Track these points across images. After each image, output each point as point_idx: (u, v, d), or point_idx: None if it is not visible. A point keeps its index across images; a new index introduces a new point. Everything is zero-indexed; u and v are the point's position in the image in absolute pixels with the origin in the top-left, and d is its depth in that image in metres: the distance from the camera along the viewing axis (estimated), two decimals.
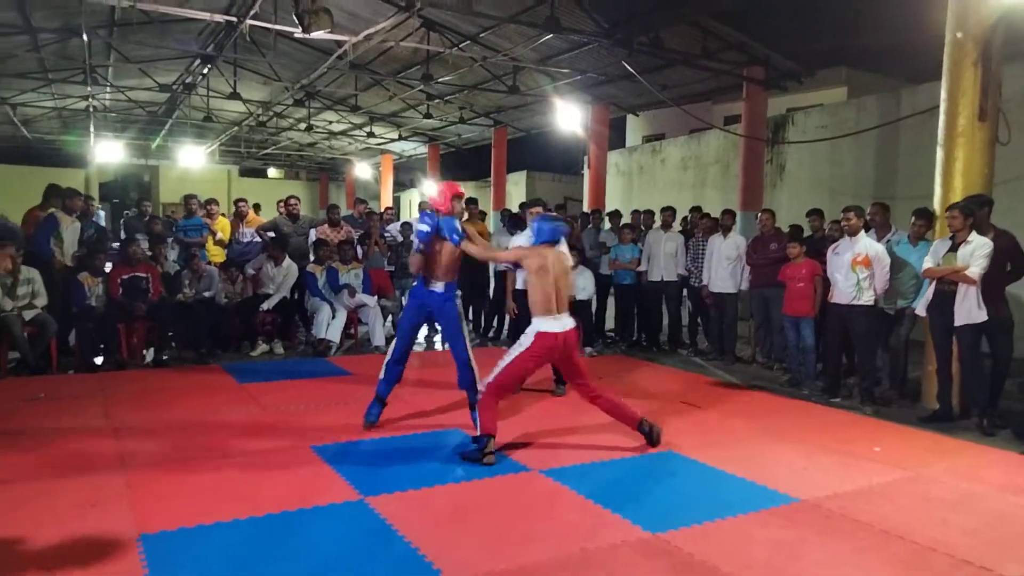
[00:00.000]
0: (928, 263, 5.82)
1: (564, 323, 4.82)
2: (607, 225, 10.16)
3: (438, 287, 5.26)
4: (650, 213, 9.60)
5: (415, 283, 5.47)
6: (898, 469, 4.73)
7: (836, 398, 6.52)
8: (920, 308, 6.03)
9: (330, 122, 18.78)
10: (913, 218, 6.42)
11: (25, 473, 4.31)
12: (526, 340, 4.79)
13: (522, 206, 10.14)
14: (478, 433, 4.77)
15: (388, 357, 5.42)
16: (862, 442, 5.28)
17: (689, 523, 3.75)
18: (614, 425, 5.05)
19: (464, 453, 4.75)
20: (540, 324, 4.77)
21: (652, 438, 5.00)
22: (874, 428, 5.72)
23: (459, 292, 5.67)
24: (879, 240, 6.48)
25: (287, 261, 8.55)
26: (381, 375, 5.40)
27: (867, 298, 6.22)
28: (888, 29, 9.47)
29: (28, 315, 6.86)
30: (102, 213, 9.54)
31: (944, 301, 5.69)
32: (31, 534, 3.47)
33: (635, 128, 20.11)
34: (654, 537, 3.60)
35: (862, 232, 6.32)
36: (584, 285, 8.13)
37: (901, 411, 6.18)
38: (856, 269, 6.20)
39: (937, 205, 6.22)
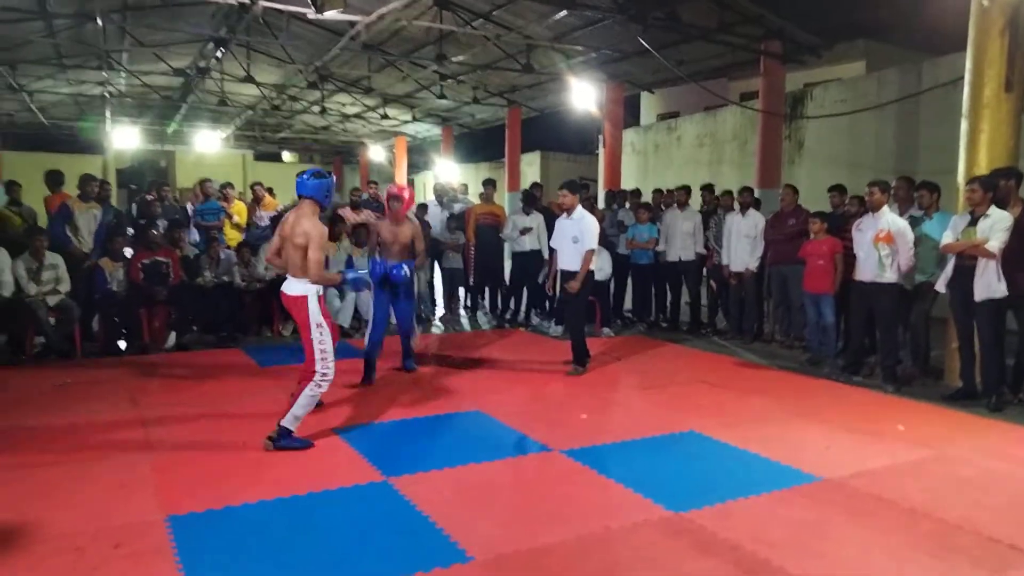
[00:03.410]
0: (948, 238, 5.72)
1: (285, 285, 4.69)
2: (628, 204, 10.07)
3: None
4: (670, 192, 9.51)
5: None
6: (923, 448, 4.69)
7: (858, 376, 6.46)
8: (940, 284, 5.93)
9: (344, 104, 18.70)
10: (918, 191, 6.40)
11: (54, 458, 4.37)
12: None
13: (534, 186, 10.14)
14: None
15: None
16: (885, 421, 5.24)
17: (712, 502, 3.75)
18: (635, 405, 5.03)
19: None
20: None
21: None
22: (897, 407, 5.66)
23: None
24: (902, 215, 6.38)
25: None
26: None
27: (890, 275, 6.13)
28: (908, 1, 9.24)
29: (52, 300, 6.94)
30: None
31: (964, 276, 5.60)
32: (61, 518, 3.52)
33: (650, 106, 19.89)
34: (676, 516, 3.60)
35: (885, 208, 6.21)
36: (602, 265, 8.06)
37: (924, 389, 6.12)
38: (878, 246, 6.10)
39: (961, 179, 6.09)
